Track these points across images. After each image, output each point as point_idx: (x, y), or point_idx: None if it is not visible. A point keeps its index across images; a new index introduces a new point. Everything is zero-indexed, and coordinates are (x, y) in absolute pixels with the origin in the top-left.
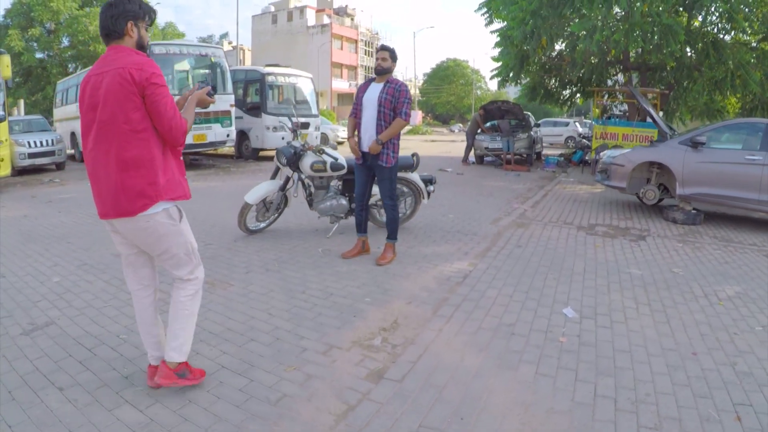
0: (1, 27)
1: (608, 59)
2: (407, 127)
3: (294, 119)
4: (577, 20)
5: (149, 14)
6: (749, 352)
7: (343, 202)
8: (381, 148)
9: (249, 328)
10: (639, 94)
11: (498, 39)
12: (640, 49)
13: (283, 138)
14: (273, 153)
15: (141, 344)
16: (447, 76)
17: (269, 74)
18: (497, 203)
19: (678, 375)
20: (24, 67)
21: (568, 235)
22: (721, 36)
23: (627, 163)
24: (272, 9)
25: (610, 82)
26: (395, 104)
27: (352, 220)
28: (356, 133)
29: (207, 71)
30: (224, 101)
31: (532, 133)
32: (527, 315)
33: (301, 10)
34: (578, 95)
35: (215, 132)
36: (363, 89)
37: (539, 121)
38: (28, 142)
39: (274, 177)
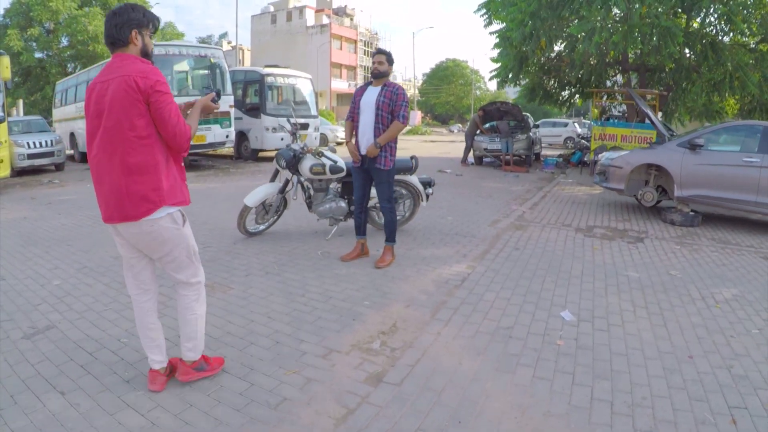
0: (0, 27)
1: (607, 60)
2: (406, 127)
3: (292, 120)
4: (576, 22)
5: (153, 22)
6: (745, 355)
7: (342, 204)
8: (379, 151)
9: (249, 331)
10: (637, 96)
11: (497, 40)
12: (638, 51)
13: (282, 139)
14: (272, 154)
15: (141, 348)
16: (446, 76)
17: (268, 75)
18: (496, 205)
19: (674, 378)
20: (23, 67)
21: (567, 238)
22: (720, 38)
23: (625, 165)
24: (271, 9)
25: (609, 83)
26: (393, 107)
27: (351, 222)
28: (354, 136)
29: (206, 72)
30: (223, 102)
31: (530, 134)
32: (525, 318)
33: (301, 10)
34: (577, 96)
35: (214, 133)
36: (360, 93)
37: (538, 122)
38: (28, 143)
39: (273, 179)
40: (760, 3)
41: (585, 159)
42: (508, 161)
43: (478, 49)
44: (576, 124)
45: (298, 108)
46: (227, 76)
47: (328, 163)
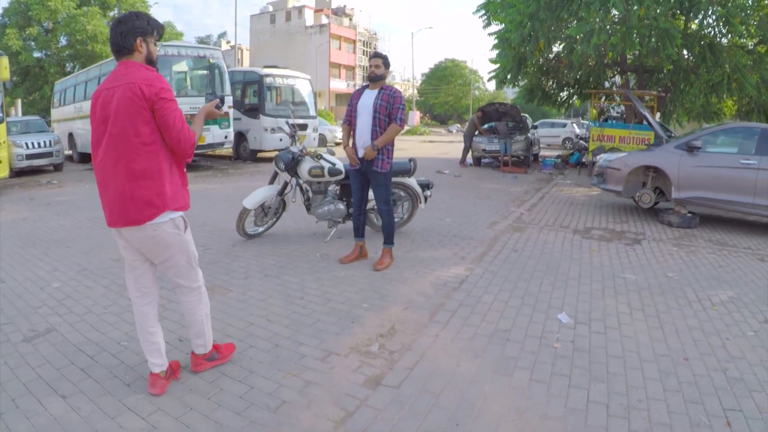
0: None
1: (605, 62)
2: (405, 128)
3: (290, 121)
4: (574, 23)
5: (157, 29)
6: (741, 358)
7: (341, 206)
8: (376, 153)
9: (248, 334)
10: (636, 98)
11: (496, 41)
12: (637, 52)
13: (281, 140)
14: (271, 154)
15: (142, 351)
16: (445, 76)
17: (267, 76)
18: (494, 206)
19: (670, 381)
20: (21, 67)
21: (564, 239)
22: (718, 39)
23: (623, 166)
24: (270, 9)
25: (607, 85)
26: (390, 110)
27: (349, 224)
28: (351, 139)
29: (205, 73)
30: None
31: (529, 135)
32: (522, 321)
33: (300, 10)
34: (575, 97)
35: (213, 133)
36: (357, 96)
37: (537, 123)
38: (26, 143)
39: (272, 182)
40: (759, 5)
41: (583, 160)
42: (506, 162)
43: (476, 49)
44: (574, 125)
45: (297, 108)
46: (226, 76)
47: (326, 165)
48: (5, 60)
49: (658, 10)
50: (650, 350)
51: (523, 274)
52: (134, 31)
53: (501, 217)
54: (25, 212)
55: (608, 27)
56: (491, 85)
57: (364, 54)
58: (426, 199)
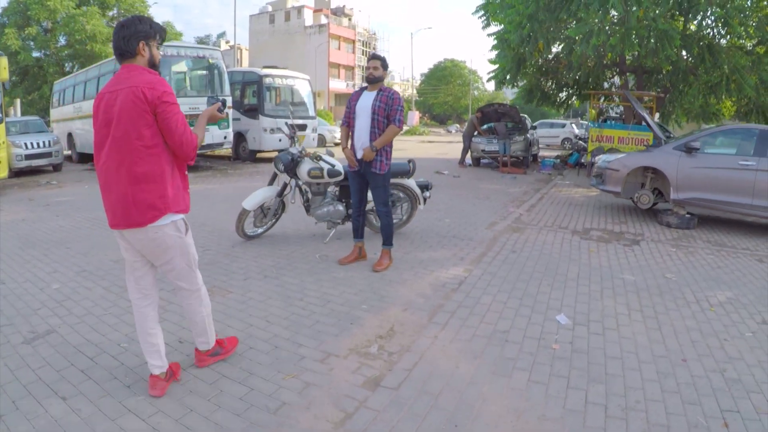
0: None
1: (604, 62)
2: (404, 128)
3: (289, 122)
4: (573, 24)
5: (160, 33)
6: (739, 359)
7: (340, 207)
8: (375, 154)
9: (248, 335)
10: (634, 99)
11: (495, 42)
12: (636, 53)
13: (280, 140)
14: (270, 155)
15: (141, 353)
16: (444, 76)
17: (267, 76)
18: (493, 207)
19: (668, 382)
20: (20, 66)
21: (563, 240)
22: (717, 40)
23: (622, 168)
24: (270, 9)
25: (606, 85)
26: (389, 111)
27: (349, 225)
28: (350, 141)
29: (204, 73)
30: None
31: (528, 135)
32: (521, 322)
33: (299, 10)
34: (574, 98)
35: (212, 134)
36: (355, 98)
37: (536, 123)
38: (25, 144)
39: (271, 183)
40: (757, 6)
41: (582, 160)
42: (505, 162)
43: (476, 49)
44: (573, 125)
45: (296, 109)
46: (225, 77)
47: (326, 166)
48: (4, 60)
49: (657, 11)
50: (648, 351)
51: (522, 275)
52: (137, 35)
53: (500, 218)
54: (25, 213)
55: (607, 28)
56: (490, 86)
57: (363, 54)
58: (425, 200)
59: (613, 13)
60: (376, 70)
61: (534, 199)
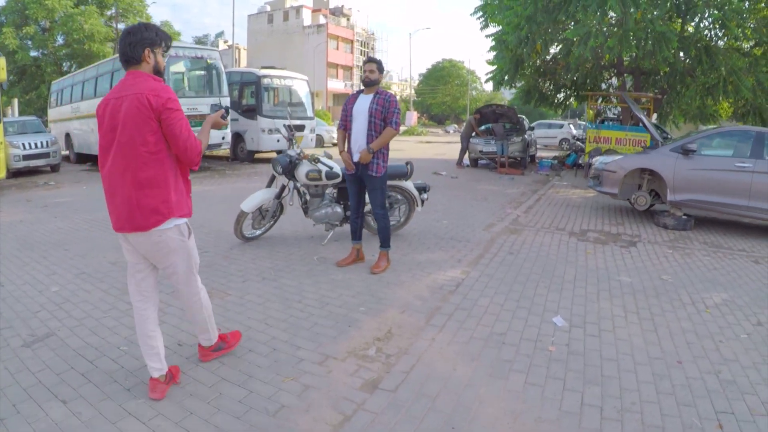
0: None
1: (602, 64)
2: (402, 128)
3: (286, 123)
4: (572, 26)
5: (165, 41)
6: (734, 360)
7: (338, 209)
8: (371, 157)
9: (247, 338)
10: (631, 101)
11: (493, 43)
12: (633, 55)
13: (278, 141)
14: (268, 155)
15: (141, 356)
16: (442, 76)
17: (265, 77)
18: (491, 208)
19: (663, 383)
20: (18, 66)
21: (560, 242)
22: (714, 42)
23: (619, 169)
24: (268, 9)
25: (604, 86)
26: (385, 114)
27: (347, 227)
28: (347, 144)
29: (203, 73)
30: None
31: (526, 136)
32: (518, 324)
33: (297, 9)
34: (572, 99)
35: (210, 134)
36: (352, 101)
37: (533, 124)
38: (23, 144)
39: (269, 185)
40: (755, 8)
41: (580, 161)
42: (503, 163)
43: (474, 49)
44: (571, 126)
45: (294, 109)
46: (223, 77)
47: (324, 169)
48: (2, 61)
49: (654, 13)
50: (644, 353)
51: (519, 276)
52: (143, 42)
53: (497, 219)
54: (23, 214)
55: (605, 30)
56: (488, 86)
57: (361, 54)
58: (423, 202)
59: (611, 14)
60: (372, 74)
61: (531, 201)
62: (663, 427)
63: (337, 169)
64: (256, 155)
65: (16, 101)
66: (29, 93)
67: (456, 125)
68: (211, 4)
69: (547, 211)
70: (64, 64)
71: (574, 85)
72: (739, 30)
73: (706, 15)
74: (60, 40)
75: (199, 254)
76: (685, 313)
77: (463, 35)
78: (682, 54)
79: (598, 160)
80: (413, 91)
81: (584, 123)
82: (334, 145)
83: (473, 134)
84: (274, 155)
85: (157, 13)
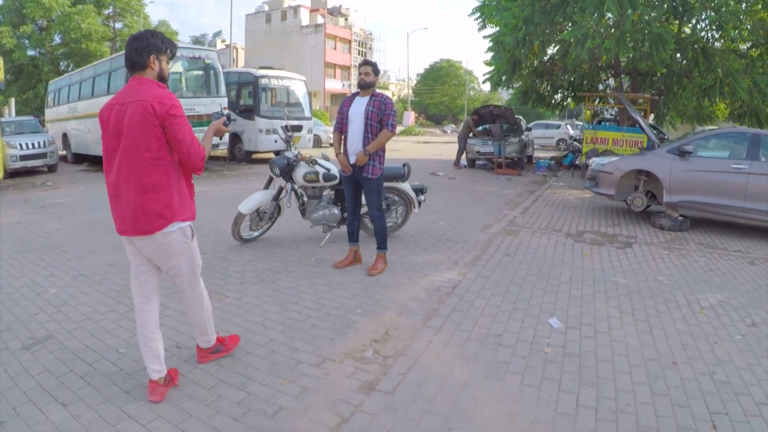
0: None
1: (599, 65)
2: (400, 128)
3: (283, 124)
4: (569, 27)
5: (171, 49)
6: (728, 361)
7: (336, 211)
8: (368, 159)
9: (245, 340)
10: (628, 102)
11: (491, 44)
12: (630, 56)
13: (276, 141)
14: (266, 156)
15: (140, 358)
16: (440, 76)
17: (262, 77)
18: (488, 209)
19: (658, 385)
20: (15, 65)
21: (557, 243)
22: (711, 44)
23: (615, 171)
24: (266, 8)
25: (601, 87)
26: (381, 116)
27: (344, 228)
28: (343, 147)
29: (200, 73)
30: (217, 104)
31: (523, 137)
32: (514, 325)
33: (295, 9)
34: (569, 99)
35: None
36: (347, 104)
37: (531, 124)
38: (20, 144)
39: (267, 187)
40: (751, 10)
41: (577, 162)
42: (500, 164)
43: (472, 49)
44: (568, 126)
45: (292, 110)
46: (221, 77)
47: (321, 170)
48: (0, 61)
49: (651, 15)
50: (639, 354)
51: (516, 278)
52: (148, 49)
53: (494, 220)
54: (20, 215)
55: (602, 31)
56: (486, 86)
57: (359, 54)
58: (420, 203)
59: (608, 16)
60: (367, 76)
61: (528, 201)
62: (657, 428)
63: (335, 171)
64: (254, 155)
65: (13, 101)
66: (26, 92)
67: (453, 125)
68: (208, 4)
69: (543, 212)
70: (61, 63)
71: (571, 85)
72: (736, 32)
73: (703, 17)
74: (57, 39)
75: None
76: (680, 314)
77: (461, 35)
78: (679, 55)
79: (594, 162)
80: (411, 91)
81: (581, 124)
82: (332, 145)
83: (470, 135)
84: (271, 156)
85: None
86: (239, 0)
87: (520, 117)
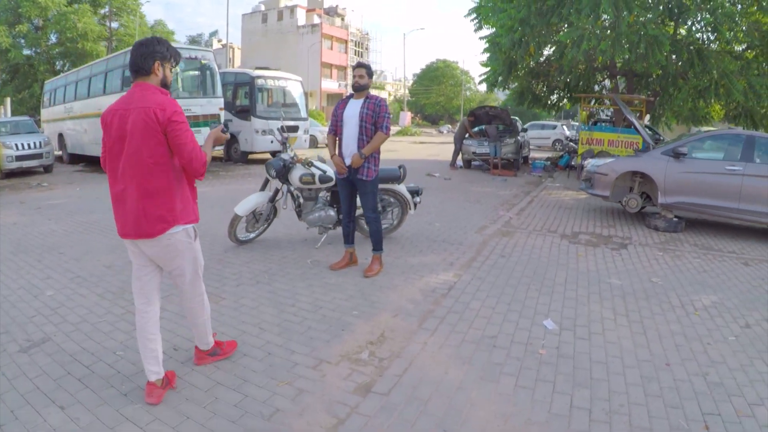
0: None
1: (595, 66)
2: (396, 128)
3: (281, 126)
4: (565, 28)
5: (175, 57)
6: (721, 363)
7: (332, 213)
8: (363, 161)
9: (241, 342)
10: (623, 104)
11: (487, 45)
12: (626, 57)
13: (272, 141)
14: (262, 156)
15: (138, 361)
16: (436, 77)
17: (259, 77)
18: (483, 210)
19: (651, 386)
20: (11, 64)
21: (552, 244)
22: (706, 45)
23: (610, 172)
24: (262, 8)
25: (597, 88)
26: (376, 119)
27: (340, 230)
28: (338, 149)
29: (197, 74)
30: (213, 104)
31: (519, 137)
32: (509, 327)
33: (292, 9)
34: (565, 100)
35: (204, 135)
36: (342, 106)
37: (527, 125)
38: (16, 145)
39: (263, 188)
40: (746, 12)
41: (572, 162)
42: (496, 165)
43: (468, 50)
44: (564, 127)
45: (288, 110)
46: (217, 78)
47: (317, 172)
48: None
49: (647, 16)
50: (633, 356)
51: (511, 279)
52: (153, 55)
53: (490, 222)
54: (16, 216)
55: (598, 33)
56: (482, 87)
57: (356, 54)
58: (415, 205)
59: (604, 17)
60: (362, 78)
61: (524, 203)
62: (650, 429)
63: (331, 172)
64: (250, 156)
65: (8, 100)
66: (22, 92)
67: (450, 125)
68: (204, 3)
69: (539, 214)
70: (57, 62)
71: (567, 86)
72: (731, 33)
73: (698, 18)
74: (53, 38)
75: None
76: (674, 315)
77: (457, 36)
78: (674, 57)
79: (590, 163)
80: (407, 91)
81: (577, 124)
82: (327, 145)
83: (466, 135)
84: (268, 156)
85: (150, 12)
86: (236, 0)
87: (516, 118)
